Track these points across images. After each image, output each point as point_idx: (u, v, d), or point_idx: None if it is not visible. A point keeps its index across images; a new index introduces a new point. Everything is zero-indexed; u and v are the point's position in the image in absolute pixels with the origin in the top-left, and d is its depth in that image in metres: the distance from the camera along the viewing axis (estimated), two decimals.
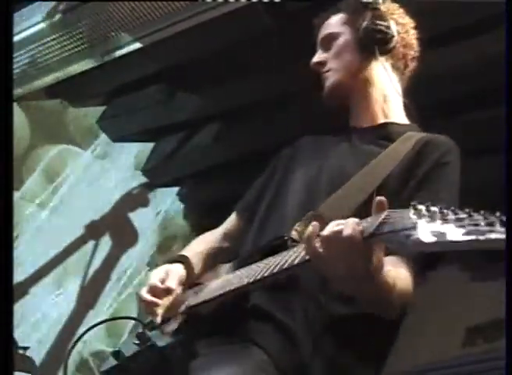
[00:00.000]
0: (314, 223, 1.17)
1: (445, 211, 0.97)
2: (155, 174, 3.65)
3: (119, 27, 2.76)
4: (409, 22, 1.67)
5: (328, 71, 1.66)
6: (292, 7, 2.43)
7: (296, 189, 1.56)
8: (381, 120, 1.63)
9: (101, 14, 2.75)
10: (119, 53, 2.87)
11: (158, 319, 1.48)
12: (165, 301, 1.50)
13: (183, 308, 1.48)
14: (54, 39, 2.97)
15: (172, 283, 1.53)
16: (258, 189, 1.73)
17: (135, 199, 3.77)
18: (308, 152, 1.67)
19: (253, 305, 1.43)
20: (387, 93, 1.64)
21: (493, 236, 0.91)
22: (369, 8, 1.60)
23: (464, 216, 0.94)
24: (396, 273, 1.30)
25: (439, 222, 0.95)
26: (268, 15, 2.49)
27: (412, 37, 1.67)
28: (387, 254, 1.23)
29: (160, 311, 1.49)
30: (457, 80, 2.52)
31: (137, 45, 2.80)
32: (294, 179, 1.59)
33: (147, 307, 1.51)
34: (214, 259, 1.71)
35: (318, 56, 1.69)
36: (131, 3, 2.64)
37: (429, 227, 0.95)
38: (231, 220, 1.79)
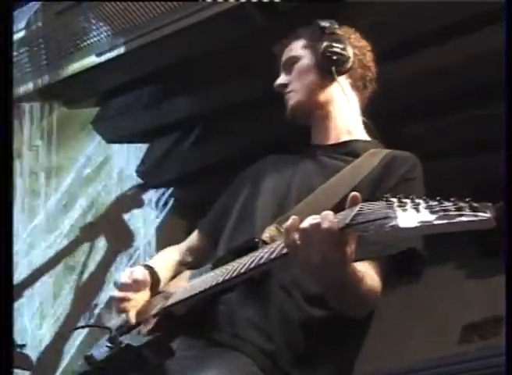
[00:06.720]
0: (294, 216, 1.23)
1: (416, 200, 1.03)
2: (150, 175, 3.65)
3: (112, 29, 2.76)
4: (365, 45, 1.76)
5: (290, 92, 1.74)
6: (284, 7, 2.44)
7: (266, 203, 1.62)
8: (344, 138, 1.71)
9: (94, 16, 2.75)
10: (112, 54, 2.87)
11: (132, 320, 1.52)
12: (136, 299, 1.54)
13: (155, 310, 1.50)
14: (47, 40, 2.98)
15: (139, 274, 1.57)
16: (222, 206, 1.79)
17: (130, 200, 3.77)
18: (275, 170, 1.74)
19: (228, 307, 1.47)
20: (347, 111, 1.73)
21: (464, 219, 0.97)
22: (326, 33, 1.71)
23: (435, 203, 1.01)
24: (365, 270, 1.37)
25: (412, 210, 1.02)
26: (260, 15, 2.50)
27: (369, 59, 1.76)
28: (357, 260, 1.30)
29: (132, 310, 1.53)
30: (452, 78, 2.54)
31: (129, 47, 2.80)
32: (263, 194, 1.66)
33: (120, 305, 1.55)
34: (178, 271, 1.75)
35: (281, 78, 1.78)
36: (122, 5, 2.64)
37: (404, 215, 1.02)
38: (193, 237, 1.84)
